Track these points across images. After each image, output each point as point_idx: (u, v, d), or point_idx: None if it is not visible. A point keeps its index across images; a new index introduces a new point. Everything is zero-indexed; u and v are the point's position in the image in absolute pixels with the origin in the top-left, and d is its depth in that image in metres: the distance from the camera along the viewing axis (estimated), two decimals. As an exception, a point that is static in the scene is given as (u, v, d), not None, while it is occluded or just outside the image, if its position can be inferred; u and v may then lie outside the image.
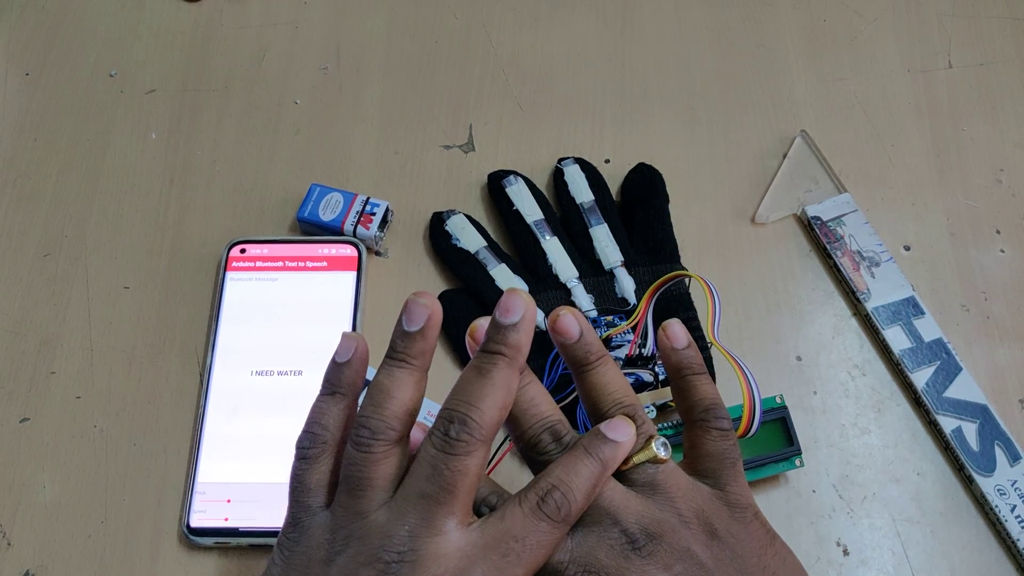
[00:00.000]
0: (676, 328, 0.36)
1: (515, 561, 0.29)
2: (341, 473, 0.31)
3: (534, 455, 0.33)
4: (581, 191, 0.50)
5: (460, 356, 0.47)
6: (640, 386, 0.44)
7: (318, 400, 0.33)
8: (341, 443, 0.33)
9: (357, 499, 0.30)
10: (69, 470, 0.45)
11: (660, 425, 0.42)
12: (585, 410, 0.35)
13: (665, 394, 0.45)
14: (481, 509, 0.32)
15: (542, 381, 0.44)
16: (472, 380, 0.31)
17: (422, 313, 0.32)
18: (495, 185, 0.51)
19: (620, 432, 0.32)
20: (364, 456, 0.30)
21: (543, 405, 0.34)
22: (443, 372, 0.47)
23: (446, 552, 0.29)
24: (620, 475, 0.32)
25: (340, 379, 0.33)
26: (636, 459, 0.32)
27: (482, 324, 0.33)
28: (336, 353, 0.33)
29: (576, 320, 0.34)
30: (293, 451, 0.33)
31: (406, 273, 0.50)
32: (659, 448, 0.32)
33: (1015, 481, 0.43)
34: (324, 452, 0.32)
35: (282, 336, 0.47)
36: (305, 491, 0.32)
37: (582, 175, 0.51)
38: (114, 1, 0.59)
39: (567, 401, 0.43)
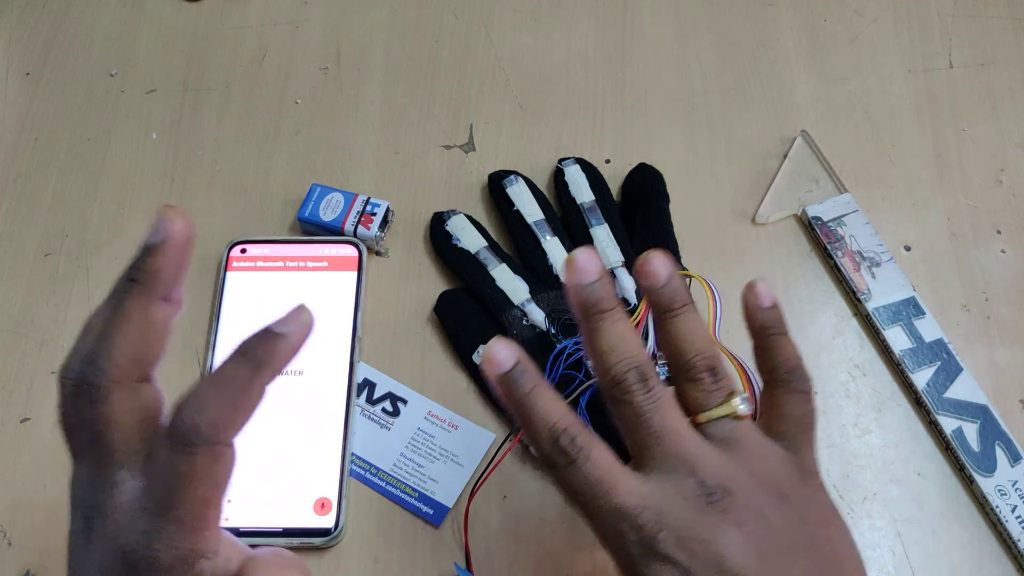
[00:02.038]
0: (762, 288, 0.35)
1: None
2: None
3: (617, 394, 0.32)
4: (582, 191, 0.50)
5: (460, 356, 0.47)
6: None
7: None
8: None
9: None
10: (69, 470, 0.45)
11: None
12: (665, 357, 0.34)
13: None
14: None
15: (542, 381, 0.44)
16: (208, 380, 0.29)
17: (164, 226, 0.29)
18: (495, 185, 0.51)
19: (287, 322, 0.29)
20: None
21: (632, 344, 0.32)
22: (443, 372, 0.47)
23: (118, 504, 0.28)
24: (698, 427, 0.32)
25: (143, 266, 0.29)
26: (716, 413, 0.32)
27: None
28: (149, 234, 0.29)
29: (665, 263, 0.33)
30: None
31: (407, 273, 0.50)
32: (740, 404, 0.32)
33: (1016, 481, 0.43)
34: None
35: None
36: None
37: (583, 175, 0.51)
38: (114, 1, 0.59)
39: (567, 402, 0.43)
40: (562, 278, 0.33)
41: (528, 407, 0.31)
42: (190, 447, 0.27)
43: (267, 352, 0.29)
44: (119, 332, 0.29)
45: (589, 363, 0.33)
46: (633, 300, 0.47)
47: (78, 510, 0.29)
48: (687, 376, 0.33)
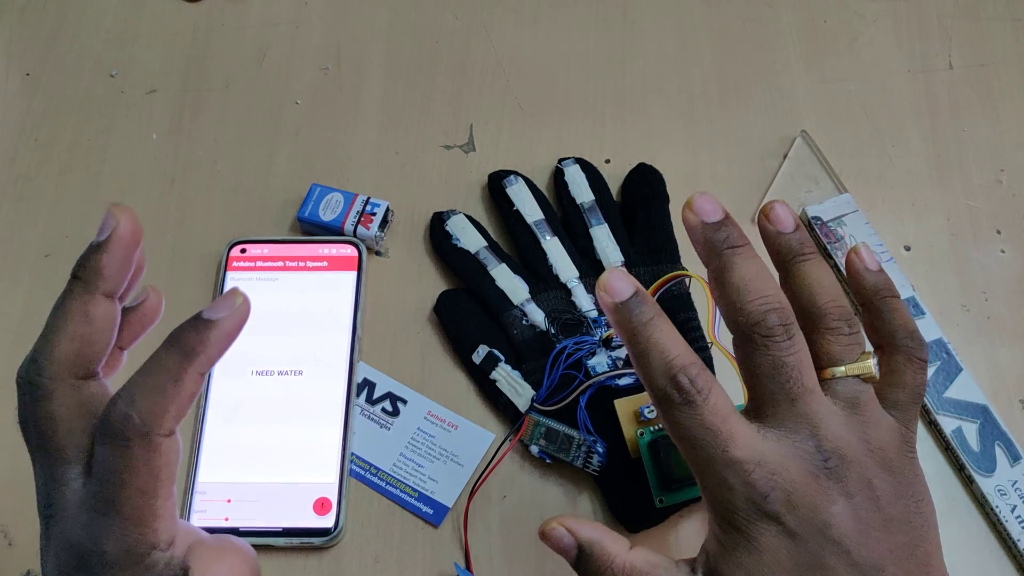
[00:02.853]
0: (868, 251, 0.35)
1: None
2: None
3: (756, 338, 0.30)
4: (581, 191, 0.50)
5: (460, 356, 0.47)
6: (641, 386, 0.44)
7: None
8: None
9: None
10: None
11: (662, 425, 0.42)
12: (793, 308, 0.31)
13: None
14: None
15: (542, 382, 0.44)
16: (141, 370, 0.28)
17: (109, 223, 0.29)
18: (495, 185, 0.51)
19: (219, 307, 0.30)
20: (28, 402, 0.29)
21: (771, 282, 0.30)
22: (443, 372, 0.47)
23: (66, 500, 0.29)
24: (824, 382, 0.31)
25: (86, 263, 0.29)
26: (848, 370, 0.31)
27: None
28: (97, 231, 0.30)
29: (789, 210, 0.33)
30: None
31: (406, 273, 0.50)
32: (874, 366, 0.31)
33: (1015, 481, 0.43)
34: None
35: (282, 336, 0.47)
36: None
37: (582, 175, 0.51)
38: (114, 1, 0.59)
39: (567, 401, 0.43)
40: (685, 226, 0.32)
41: (646, 338, 0.30)
42: (124, 440, 0.27)
43: (198, 340, 0.29)
44: (59, 330, 0.29)
45: (718, 307, 0.31)
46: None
47: (39, 510, 0.29)
48: (822, 324, 0.31)
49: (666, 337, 0.30)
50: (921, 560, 0.30)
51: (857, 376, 0.31)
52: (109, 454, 0.27)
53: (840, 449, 0.30)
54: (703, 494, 0.31)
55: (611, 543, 0.31)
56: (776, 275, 0.33)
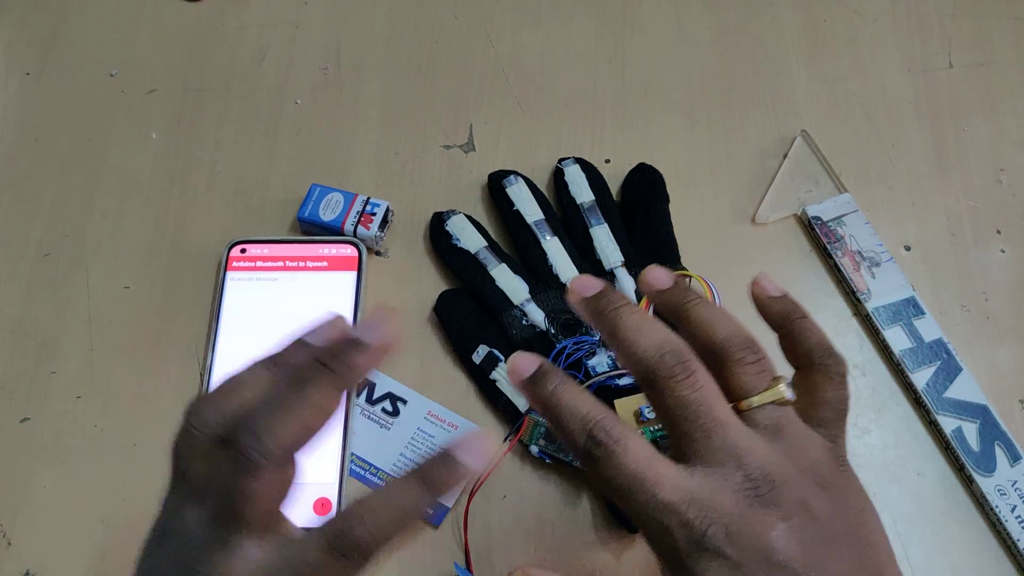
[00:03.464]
0: (766, 280, 0.35)
1: None
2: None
3: (657, 382, 0.30)
4: (581, 191, 0.50)
5: (460, 356, 0.47)
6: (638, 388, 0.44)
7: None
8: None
9: (178, 492, 0.29)
10: (69, 470, 0.45)
11: (659, 426, 0.42)
12: (696, 350, 0.32)
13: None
14: None
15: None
16: (284, 391, 0.28)
17: (384, 330, 0.29)
18: (495, 185, 0.51)
19: (470, 450, 0.29)
20: (188, 447, 0.29)
21: (658, 326, 0.31)
22: (443, 372, 0.47)
23: (235, 571, 0.27)
24: (741, 414, 0.31)
25: (346, 359, 0.29)
26: (762, 398, 0.31)
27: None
28: (361, 328, 0.30)
29: (664, 271, 0.34)
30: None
31: (406, 273, 0.50)
32: (786, 389, 0.31)
33: (1015, 481, 0.43)
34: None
35: (282, 336, 0.47)
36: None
37: (582, 175, 0.51)
38: (114, 1, 0.59)
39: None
40: (572, 307, 0.33)
41: (556, 403, 0.31)
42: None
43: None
44: (295, 416, 0.28)
45: (618, 361, 0.33)
46: (633, 300, 0.47)
47: (163, 529, 0.29)
48: (726, 358, 0.32)
49: (575, 398, 0.31)
50: (873, 571, 0.30)
51: (772, 402, 0.31)
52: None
53: (769, 475, 0.30)
54: (648, 544, 0.30)
55: None
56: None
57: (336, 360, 0.29)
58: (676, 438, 0.31)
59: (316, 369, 0.29)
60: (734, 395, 0.31)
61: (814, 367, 0.33)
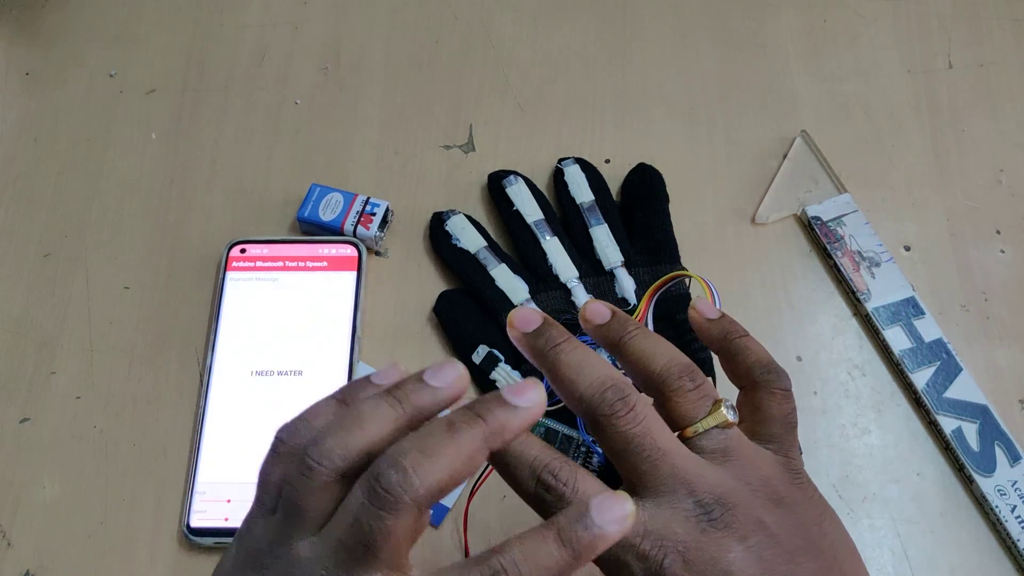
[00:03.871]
0: (705, 302, 0.36)
1: None
2: (283, 487, 0.28)
3: (600, 420, 0.30)
4: (581, 191, 0.50)
5: (459, 356, 0.47)
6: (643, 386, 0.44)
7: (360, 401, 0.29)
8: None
9: (287, 523, 0.27)
10: (69, 470, 0.45)
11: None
12: (635, 382, 0.33)
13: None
14: None
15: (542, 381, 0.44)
16: (435, 433, 0.27)
17: (452, 375, 0.28)
18: (495, 185, 0.51)
19: (610, 512, 0.26)
20: (304, 480, 0.27)
21: (599, 363, 0.31)
22: (443, 372, 0.47)
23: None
24: (687, 441, 0.31)
25: (503, 424, 0.27)
26: (705, 424, 0.31)
27: (522, 313, 0.31)
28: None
29: (601, 304, 0.34)
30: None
31: (406, 273, 0.50)
32: (728, 411, 0.31)
33: (1015, 481, 0.43)
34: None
35: (282, 336, 0.47)
36: (264, 485, 0.29)
37: (582, 175, 0.51)
38: (114, 1, 0.59)
39: (564, 404, 0.43)
40: (513, 341, 0.33)
41: (503, 456, 0.30)
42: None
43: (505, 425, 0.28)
44: (447, 461, 0.27)
45: (562, 399, 0.32)
46: (633, 300, 0.47)
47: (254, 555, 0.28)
48: (665, 388, 0.32)
49: (522, 445, 0.30)
50: None
51: (716, 427, 0.31)
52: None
53: (720, 497, 0.30)
54: None
55: None
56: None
57: (489, 414, 0.27)
58: (625, 474, 0.31)
59: (470, 419, 0.27)
60: (678, 424, 0.32)
61: (756, 385, 0.33)
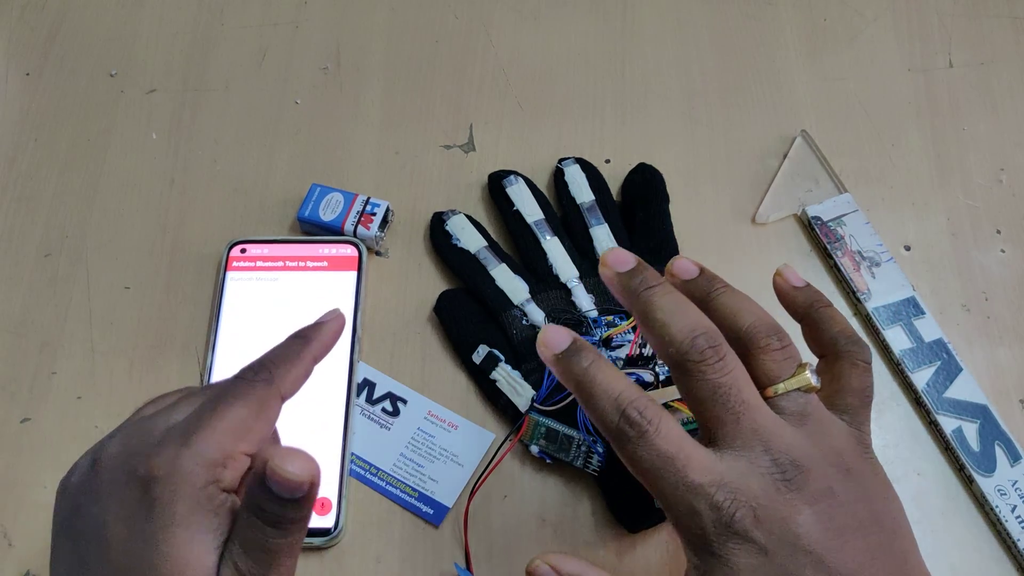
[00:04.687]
0: (790, 270, 0.36)
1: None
2: None
3: (688, 365, 0.30)
4: (581, 191, 0.50)
5: (460, 356, 0.47)
6: (641, 386, 0.44)
7: None
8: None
9: None
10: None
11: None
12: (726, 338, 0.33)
13: (667, 394, 0.45)
14: None
15: (542, 382, 0.44)
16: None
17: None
18: (495, 185, 0.51)
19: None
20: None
21: (692, 311, 0.31)
22: (443, 372, 0.47)
23: None
24: (768, 401, 0.31)
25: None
26: (787, 385, 0.31)
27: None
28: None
29: (689, 262, 0.34)
30: None
31: (406, 273, 0.50)
32: (812, 376, 0.31)
33: (1015, 481, 0.43)
34: None
35: (282, 336, 0.47)
36: None
37: (582, 175, 0.51)
38: (114, 1, 0.59)
39: (567, 401, 0.43)
40: (603, 279, 0.34)
41: (590, 381, 0.31)
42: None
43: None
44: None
45: (648, 341, 0.33)
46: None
47: None
48: (752, 345, 0.32)
49: (609, 377, 0.31)
50: (898, 557, 0.30)
51: (798, 389, 0.31)
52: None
53: (796, 460, 0.30)
54: (675, 528, 0.31)
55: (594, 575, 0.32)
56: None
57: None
58: (705, 422, 0.31)
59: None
60: (761, 382, 0.32)
61: (839, 355, 0.33)
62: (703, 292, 0.33)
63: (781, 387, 0.31)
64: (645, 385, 0.44)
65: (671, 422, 0.30)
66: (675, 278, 0.34)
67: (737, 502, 0.29)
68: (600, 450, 0.43)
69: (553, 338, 0.32)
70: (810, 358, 0.33)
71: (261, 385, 0.32)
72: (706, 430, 0.31)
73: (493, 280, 0.47)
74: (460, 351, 0.47)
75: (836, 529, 0.29)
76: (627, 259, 0.33)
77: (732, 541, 0.29)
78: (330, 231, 0.49)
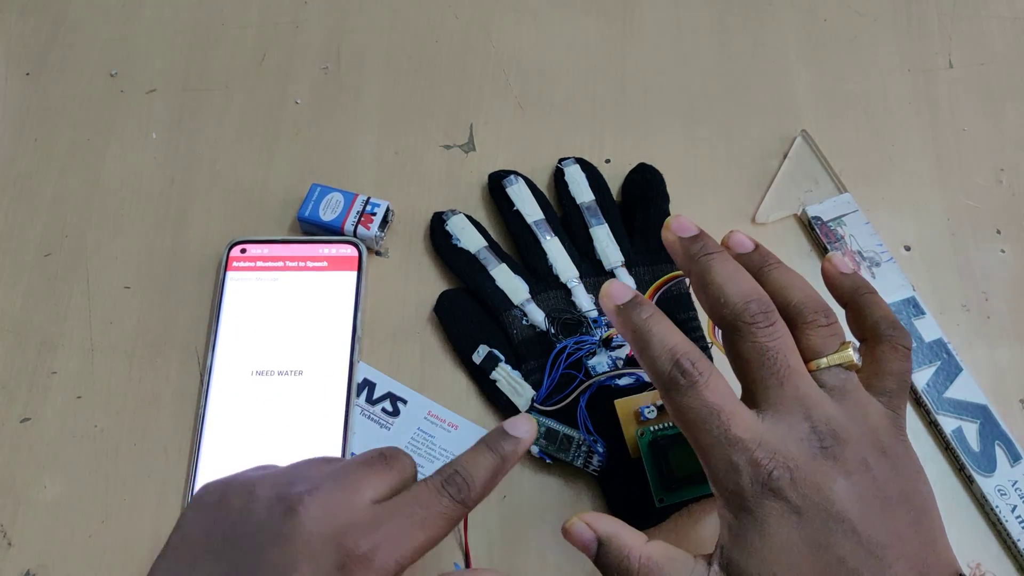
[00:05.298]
0: (839, 256, 0.37)
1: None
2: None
3: (740, 326, 0.32)
4: (582, 191, 0.50)
5: (460, 356, 0.47)
6: (641, 386, 0.44)
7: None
8: None
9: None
10: (69, 470, 0.45)
11: (662, 424, 0.42)
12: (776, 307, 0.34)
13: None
14: None
15: (542, 381, 0.44)
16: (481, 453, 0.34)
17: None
18: (495, 185, 0.51)
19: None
20: None
21: (748, 278, 0.34)
22: (443, 372, 0.47)
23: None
24: (812, 374, 0.33)
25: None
26: (831, 360, 0.33)
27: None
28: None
29: (745, 236, 0.36)
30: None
31: (406, 273, 0.50)
32: (855, 354, 0.33)
33: (1016, 481, 0.43)
34: None
35: (282, 336, 0.47)
36: None
37: (583, 175, 0.51)
38: (114, 1, 0.59)
39: (567, 402, 0.43)
40: (665, 245, 0.36)
41: (647, 331, 0.33)
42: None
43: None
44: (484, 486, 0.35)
45: (704, 308, 0.35)
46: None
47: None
48: (800, 319, 0.33)
49: (666, 329, 0.33)
50: (926, 536, 0.31)
51: (840, 365, 0.33)
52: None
53: (835, 430, 0.31)
54: (712, 484, 0.32)
55: (628, 536, 0.33)
56: None
57: (501, 440, 0.35)
58: (750, 384, 0.33)
59: (499, 441, 0.35)
60: (805, 355, 0.33)
61: (880, 339, 0.35)
62: (757, 266, 0.35)
63: (824, 361, 0.33)
64: (646, 385, 0.44)
65: (720, 378, 0.32)
66: (731, 250, 0.36)
67: (775, 461, 0.30)
68: (600, 450, 0.43)
69: (616, 291, 0.34)
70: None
71: (460, 509, 0.33)
72: (749, 393, 0.33)
73: (493, 280, 0.47)
74: (460, 351, 0.47)
75: (869, 501, 0.30)
76: (690, 226, 0.35)
77: (768, 499, 0.30)
78: (330, 231, 0.49)
